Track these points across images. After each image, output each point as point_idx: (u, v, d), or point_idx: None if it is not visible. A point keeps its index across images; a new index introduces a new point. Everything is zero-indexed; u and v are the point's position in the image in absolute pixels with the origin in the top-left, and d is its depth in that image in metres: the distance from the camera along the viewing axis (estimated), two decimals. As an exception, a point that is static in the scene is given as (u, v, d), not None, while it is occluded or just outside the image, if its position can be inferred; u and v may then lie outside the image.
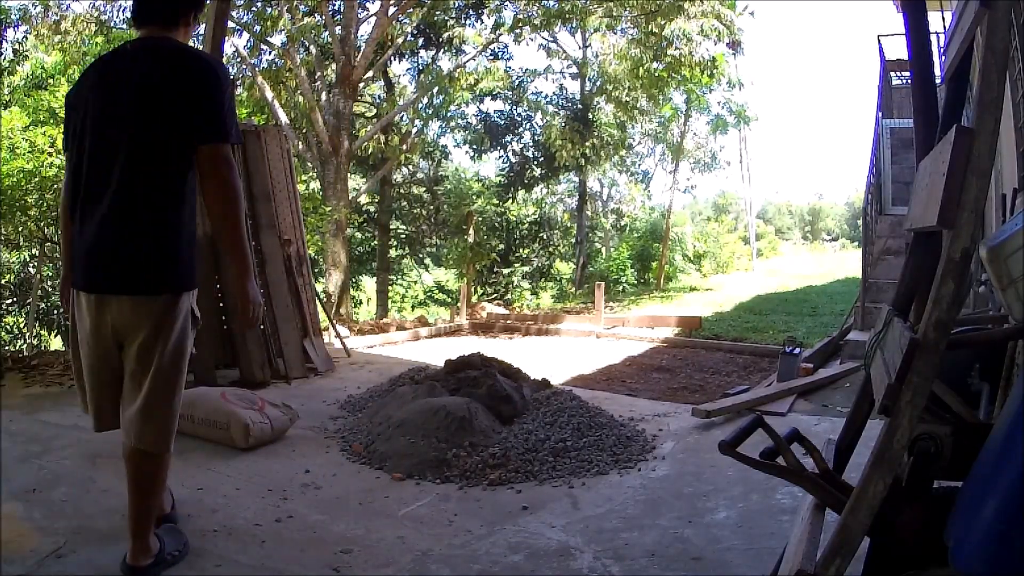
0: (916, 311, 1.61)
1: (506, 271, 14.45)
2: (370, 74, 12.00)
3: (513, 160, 16.60)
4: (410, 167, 16.98)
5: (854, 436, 1.71)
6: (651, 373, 5.52)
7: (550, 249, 17.04)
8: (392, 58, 13.06)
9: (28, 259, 9.56)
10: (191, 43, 2.13)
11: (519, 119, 16.48)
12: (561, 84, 16.57)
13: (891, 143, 7.46)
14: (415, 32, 13.03)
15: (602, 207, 19.56)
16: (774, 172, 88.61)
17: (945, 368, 1.29)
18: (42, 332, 9.57)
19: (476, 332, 7.97)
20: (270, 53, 11.62)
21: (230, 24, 9.03)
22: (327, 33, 10.87)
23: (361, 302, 15.86)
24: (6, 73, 10.28)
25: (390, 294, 15.88)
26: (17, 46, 10.30)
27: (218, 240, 1.93)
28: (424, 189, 17.49)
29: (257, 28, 10.57)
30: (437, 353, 5.58)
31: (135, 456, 1.94)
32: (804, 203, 47.73)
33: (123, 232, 1.87)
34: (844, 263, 17.78)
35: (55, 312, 9.61)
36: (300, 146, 10.91)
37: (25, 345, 8.51)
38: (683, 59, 10.10)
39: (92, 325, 1.91)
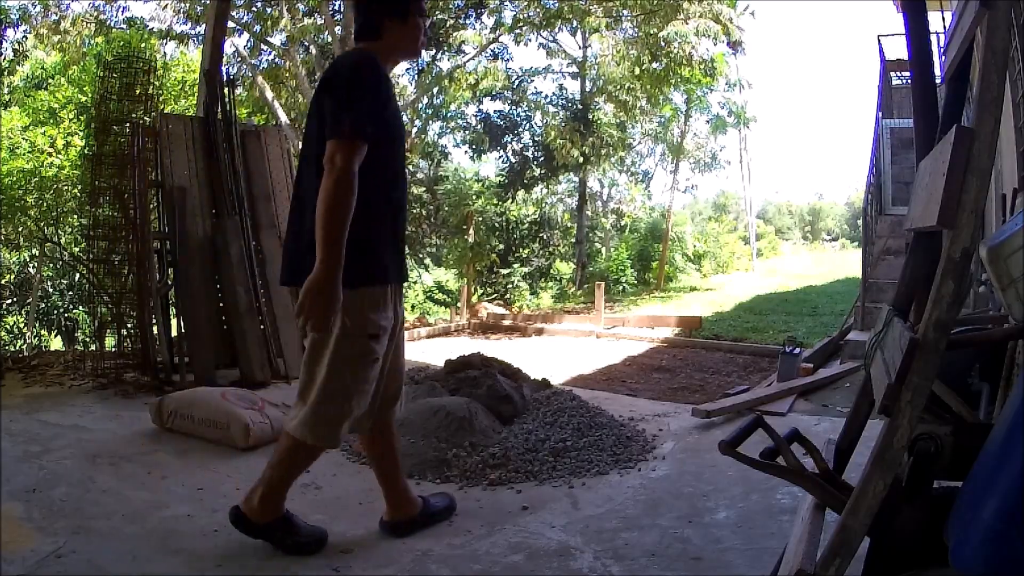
0: (916, 311, 1.61)
1: (505, 271, 14.43)
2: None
3: (513, 160, 16.60)
4: (410, 167, 16.97)
5: (854, 436, 1.71)
6: (651, 373, 5.52)
7: (550, 249, 17.03)
8: (392, 58, 13.04)
9: (28, 259, 9.56)
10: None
11: (519, 119, 16.47)
12: (561, 84, 16.56)
13: (891, 143, 7.46)
14: (415, 32, 13.01)
15: (602, 207, 19.54)
16: (774, 172, 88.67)
17: (945, 368, 1.29)
18: (42, 332, 9.57)
19: (476, 332, 7.97)
20: (270, 53, 11.62)
21: (230, 24, 9.02)
22: (327, 33, 10.86)
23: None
24: (6, 73, 10.27)
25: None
26: (17, 46, 10.30)
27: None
28: (424, 189, 17.48)
29: (257, 28, 10.58)
30: (437, 353, 5.58)
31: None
32: (804, 203, 47.73)
33: (289, 232, 2.13)
34: (844, 263, 17.78)
35: (55, 312, 9.62)
36: (300, 146, 10.91)
37: (25, 345, 8.52)
38: (682, 59, 10.10)
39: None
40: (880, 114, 7.87)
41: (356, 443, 3.19)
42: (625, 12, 10.64)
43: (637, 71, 10.72)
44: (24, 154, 7.99)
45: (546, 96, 16.18)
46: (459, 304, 9.51)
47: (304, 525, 2.22)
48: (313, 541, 2.20)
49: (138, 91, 4.70)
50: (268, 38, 10.90)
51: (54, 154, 8.17)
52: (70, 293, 9.72)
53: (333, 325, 1.96)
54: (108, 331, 4.96)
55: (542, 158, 15.79)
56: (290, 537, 2.16)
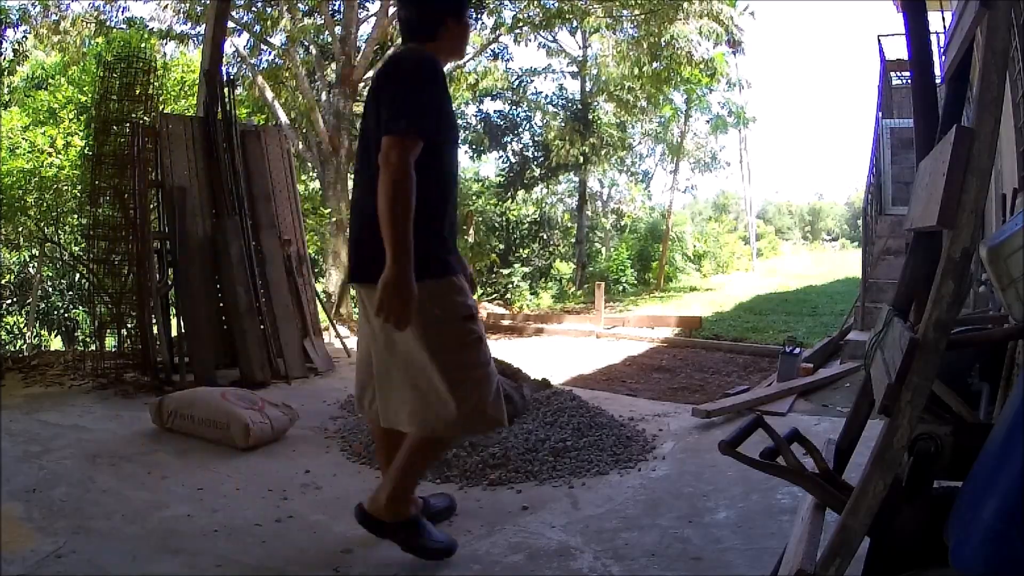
0: (916, 311, 1.61)
1: (506, 271, 14.43)
2: (370, 74, 11.97)
3: (513, 160, 16.59)
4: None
5: (854, 436, 1.71)
6: (651, 373, 5.52)
7: (550, 249, 17.03)
8: (392, 58, 13.04)
9: (28, 259, 9.57)
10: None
11: (519, 119, 16.47)
12: (561, 84, 16.58)
13: (891, 143, 7.46)
14: (415, 32, 13.00)
15: (602, 207, 19.54)
16: (774, 172, 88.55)
17: (945, 368, 1.29)
18: (42, 332, 9.57)
19: (476, 332, 7.95)
20: (270, 53, 11.61)
21: (230, 24, 9.02)
22: (327, 33, 10.86)
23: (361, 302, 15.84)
24: (6, 73, 10.28)
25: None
26: (17, 46, 10.29)
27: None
28: (424, 189, 17.45)
29: (257, 28, 10.56)
30: (437, 353, 5.57)
31: None
32: (804, 203, 47.72)
33: (354, 225, 2.16)
34: (844, 263, 17.77)
35: (55, 312, 9.62)
36: (300, 146, 10.90)
37: (25, 345, 8.52)
38: (682, 59, 10.09)
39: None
40: (880, 114, 7.87)
41: (356, 443, 3.20)
42: (625, 12, 10.63)
43: (637, 71, 10.71)
44: (24, 154, 8.00)
45: (546, 96, 16.18)
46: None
47: (435, 530, 2.19)
48: (443, 548, 2.14)
49: (138, 91, 4.70)
50: (268, 38, 10.89)
51: (54, 154, 8.17)
52: (70, 293, 9.72)
53: (411, 318, 1.92)
54: (108, 331, 4.96)
55: (542, 158, 15.80)
56: (419, 539, 2.12)
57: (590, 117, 14.87)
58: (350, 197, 2.10)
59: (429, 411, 2.00)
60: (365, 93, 15.15)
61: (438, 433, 2.04)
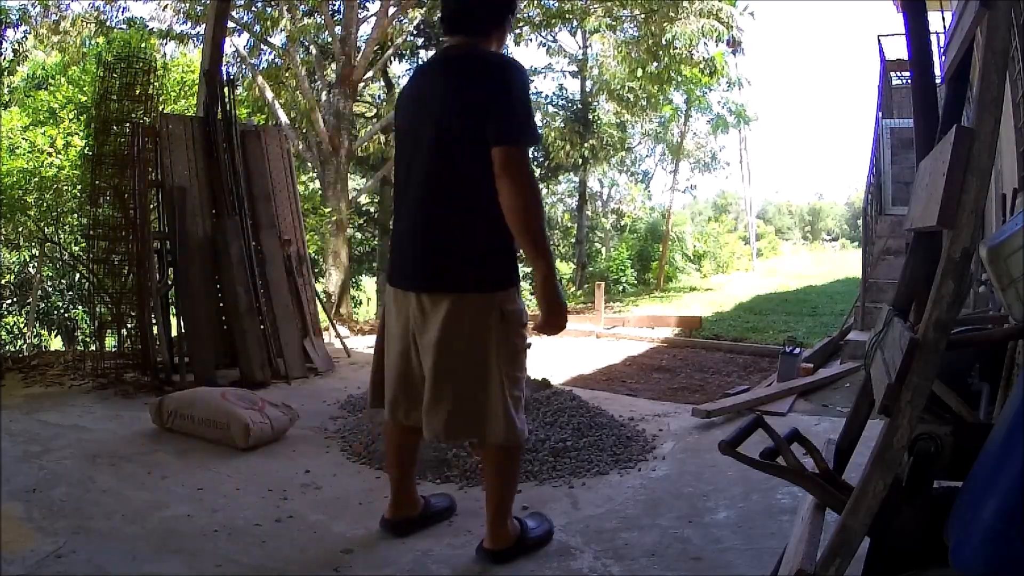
0: (916, 311, 1.61)
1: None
2: (370, 74, 11.98)
3: (513, 160, 16.58)
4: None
5: (854, 436, 1.71)
6: (651, 373, 5.52)
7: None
8: (392, 58, 13.05)
9: (28, 259, 9.56)
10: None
11: (519, 119, 16.47)
12: (561, 84, 16.58)
13: (891, 143, 7.45)
14: (415, 32, 13.01)
15: (602, 207, 19.55)
16: (774, 172, 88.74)
17: (945, 368, 1.29)
18: (42, 332, 9.57)
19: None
20: (270, 53, 11.61)
21: (230, 24, 9.02)
22: (327, 33, 10.86)
23: (361, 302, 15.84)
24: (6, 73, 10.28)
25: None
26: (17, 46, 10.30)
27: (520, 246, 1.97)
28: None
29: (257, 28, 10.56)
30: (437, 353, 5.57)
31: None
32: (804, 203, 47.75)
33: (428, 229, 2.02)
34: (844, 263, 17.78)
35: (55, 312, 9.62)
36: (300, 146, 10.90)
37: (25, 345, 8.52)
38: (682, 58, 10.09)
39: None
40: (880, 114, 7.87)
41: (356, 444, 3.20)
42: (625, 12, 10.62)
43: (640, 72, 10.71)
44: (24, 154, 7.99)
45: (546, 96, 16.19)
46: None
47: (528, 520, 2.26)
48: (544, 532, 2.24)
49: (138, 91, 4.70)
50: (268, 38, 10.89)
51: (54, 154, 8.17)
52: (70, 293, 9.72)
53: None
54: (108, 331, 4.95)
55: (542, 158, 15.80)
56: (529, 538, 2.19)
57: (590, 117, 14.87)
58: (399, 201, 2.08)
59: (498, 422, 1.99)
60: (366, 93, 15.13)
61: (510, 443, 2.03)
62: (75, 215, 8.26)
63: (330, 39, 10.82)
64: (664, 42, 9.96)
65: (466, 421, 2.01)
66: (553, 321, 1.97)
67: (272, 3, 10.37)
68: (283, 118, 10.46)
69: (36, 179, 7.89)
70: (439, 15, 2.25)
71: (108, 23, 10.29)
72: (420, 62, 14.58)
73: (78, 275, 8.02)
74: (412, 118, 2.06)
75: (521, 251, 1.97)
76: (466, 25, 2.02)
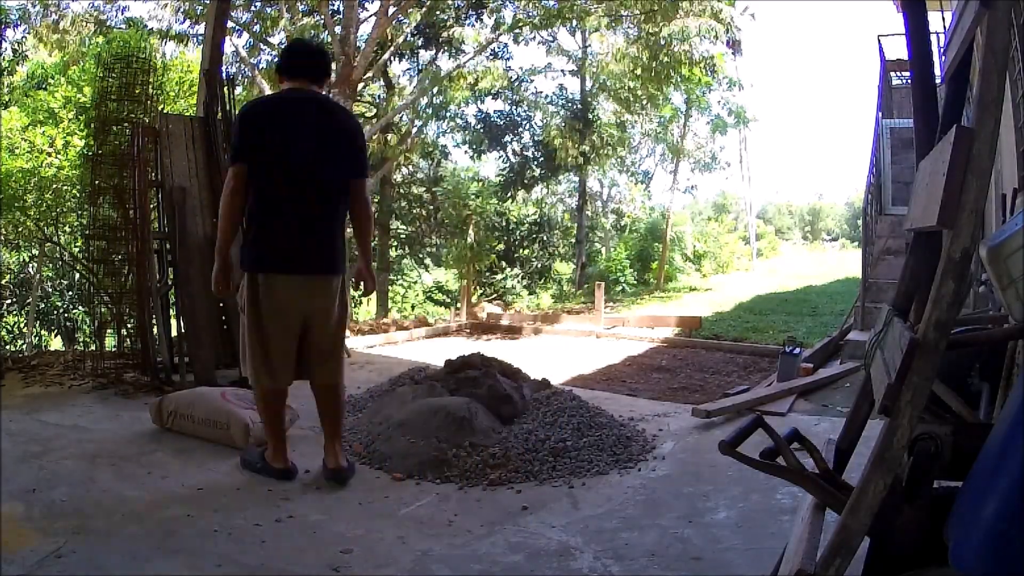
0: (916, 311, 1.61)
1: (498, 276, 14.47)
2: (370, 74, 11.99)
3: (513, 160, 16.59)
4: (410, 167, 16.97)
5: (854, 436, 1.71)
6: (651, 373, 5.52)
7: (550, 249, 17.04)
8: (392, 58, 13.05)
9: (28, 259, 9.56)
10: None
11: (519, 119, 16.46)
12: (561, 84, 16.57)
13: (891, 143, 7.45)
14: (415, 32, 13.02)
15: (602, 207, 19.55)
16: (774, 172, 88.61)
17: (945, 368, 1.29)
18: (42, 332, 9.57)
19: (476, 332, 7.96)
20: (270, 53, 11.61)
21: (230, 24, 9.02)
22: (327, 33, 10.86)
23: (361, 302, 15.86)
24: (6, 73, 10.27)
25: (390, 294, 15.85)
26: (17, 46, 10.30)
27: (358, 242, 2.88)
28: (424, 189, 17.49)
29: (257, 28, 10.57)
30: (437, 353, 5.58)
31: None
32: (804, 203, 47.74)
33: (319, 230, 2.75)
34: (844, 263, 17.77)
35: (55, 312, 9.62)
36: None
37: (25, 345, 8.52)
38: (682, 58, 10.10)
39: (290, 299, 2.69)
40: (880, 114, 7.87)
41: (356, 443, 3.20)
42: (625, 12, 10.63)
43: (640, 71, 10.72)
44: (24, 154, 7.99)
45: (546, 96, 16.19)
46: (459, 304, 9.50)
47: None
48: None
49: (138, 91, 4.69)
50: (268, 38, 10.89)
51: (53, 154, 8.17)
52: (70, 293, 9.72)
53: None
54: (108, 331, 4.95)
55: (542, 158, 15.80)
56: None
57: (590, 116, 14.86)
58: (281, 203, 2.70)
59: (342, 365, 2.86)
60: (366, 93, 15.10)
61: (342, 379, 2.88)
62: (75, 215, 8.26)
63: (330, 39, 10.82)
64: (663, 40, 9.97)
65: (339, 369, 2.81)
66: (374, 287, 2.94)
67: (272, 3, 10.38)
68: (283, 118, 10.44)
69: (36, 179, 7.88)
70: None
71: (108, 23, 10.30)
72: (419, 62, 14.62)
73: (78, 275, 8.02)
74: (290, 145, 2.65)
75: (355, 241, 2.88)
76: (316, 75, 2.79)
